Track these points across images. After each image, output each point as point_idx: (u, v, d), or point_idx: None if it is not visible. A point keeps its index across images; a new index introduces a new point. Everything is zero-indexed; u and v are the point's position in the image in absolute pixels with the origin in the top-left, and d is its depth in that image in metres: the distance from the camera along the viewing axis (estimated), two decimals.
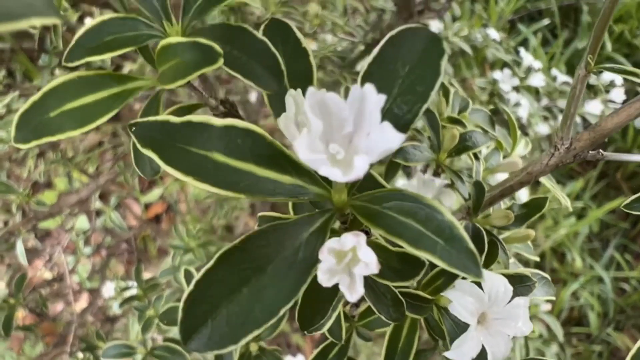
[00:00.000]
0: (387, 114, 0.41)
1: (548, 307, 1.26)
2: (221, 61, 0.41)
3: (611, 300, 2.33)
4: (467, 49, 1.40)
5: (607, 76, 1.33)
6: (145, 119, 0.38)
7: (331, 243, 0.36)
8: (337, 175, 0.32)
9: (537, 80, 1.46)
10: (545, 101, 1.56)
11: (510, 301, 0.52)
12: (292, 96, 0.46)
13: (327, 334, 0.57)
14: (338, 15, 1.39)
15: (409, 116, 0.40)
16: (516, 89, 1.46)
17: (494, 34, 1.77)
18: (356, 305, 0.72)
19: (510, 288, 0.52)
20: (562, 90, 1.48)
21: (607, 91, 1.36)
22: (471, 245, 0.37)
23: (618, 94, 1.35)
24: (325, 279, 0.35)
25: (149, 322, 1.02)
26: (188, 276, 0.82)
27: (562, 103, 1.42)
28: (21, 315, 1.63)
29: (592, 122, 1.35)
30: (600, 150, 0.64)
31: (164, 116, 0.38)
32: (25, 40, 2.69)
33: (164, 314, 0.82)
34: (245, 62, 0.43)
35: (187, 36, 0.44)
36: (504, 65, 1.58)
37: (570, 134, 0.64)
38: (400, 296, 0.51)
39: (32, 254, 2.17)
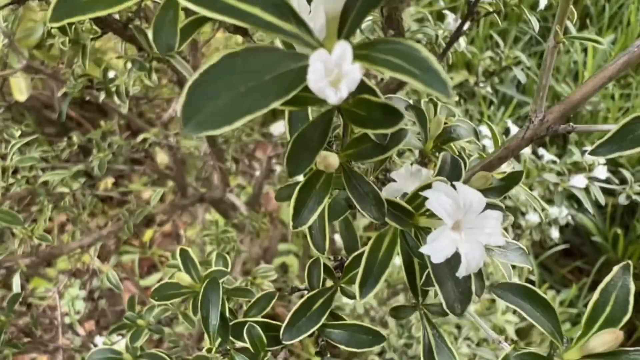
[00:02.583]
0: None
1: None
2: None
3: None
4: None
5: (590, 156, 1.42)
6: None
7: (320, 51, 0.42)
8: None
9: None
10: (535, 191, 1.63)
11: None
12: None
13: (307, 234, 0.60)
14: None
15: None
16: None
17: (485, 130, 1.88)
18: (340, 269, 0.74)
19: (484, 200, 0.56)
20: (549, 168, 1.56)
21: (591, 169, 1.45)
22: (445, 76, 0.43)
23: (601, 171, 1.43)
24: (313, 80, 0.41)
25: (139, 331, 1.01)
26: (183, 253, 0.84)
27: (548, 176, 1.50)
28: None
29: (579, 195, 1.42)
30: (571, 123, 0.71)
31: None
32: (48, 127, 2.83)
33: (156, 291, 0.83)
34: None
35: None
36: None
37: (543, 106, 0.71)
38: (381, 197, 0.56)
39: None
